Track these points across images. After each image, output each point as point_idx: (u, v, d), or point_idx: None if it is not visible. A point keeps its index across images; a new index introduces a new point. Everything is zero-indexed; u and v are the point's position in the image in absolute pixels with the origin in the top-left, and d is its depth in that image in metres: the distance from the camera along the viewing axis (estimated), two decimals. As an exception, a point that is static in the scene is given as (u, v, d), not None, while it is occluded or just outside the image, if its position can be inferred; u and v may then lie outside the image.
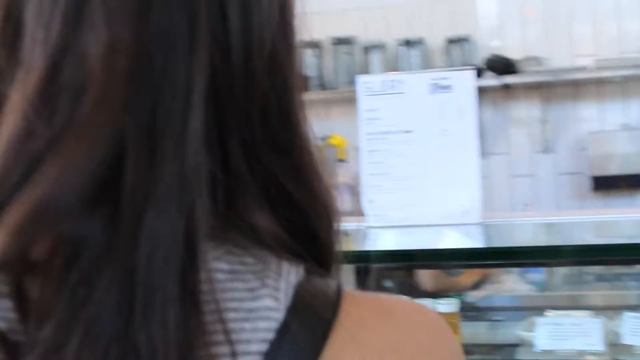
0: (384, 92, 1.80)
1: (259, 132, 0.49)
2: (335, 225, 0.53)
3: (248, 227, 0.49)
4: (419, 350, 0.49)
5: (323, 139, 3.64)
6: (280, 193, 0.50)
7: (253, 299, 0.46)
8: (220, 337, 0.44)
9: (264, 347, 0.45)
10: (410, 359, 0.48)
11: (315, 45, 4.63)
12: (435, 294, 2.06)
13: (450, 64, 4.45)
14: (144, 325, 0.41)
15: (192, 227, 0.43)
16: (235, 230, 0.48)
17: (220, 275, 0.46)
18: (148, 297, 0.41)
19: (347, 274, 1.95)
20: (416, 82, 1.79)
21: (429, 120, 1.77)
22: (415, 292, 2.23)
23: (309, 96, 0.55)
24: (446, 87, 1.76)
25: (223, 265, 0.47)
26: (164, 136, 0.43)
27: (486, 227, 1.73)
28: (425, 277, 2.33)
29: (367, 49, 4.64)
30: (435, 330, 0.51)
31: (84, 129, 0.43)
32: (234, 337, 0.44)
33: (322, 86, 4.69)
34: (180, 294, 0.42)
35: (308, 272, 0.49)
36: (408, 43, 4.55)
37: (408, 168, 1.77)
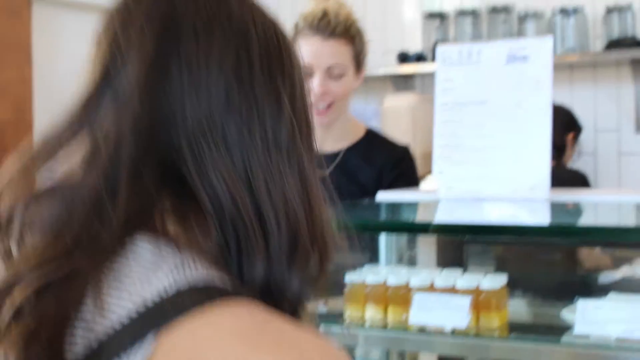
0: (461, 63, 1.76)
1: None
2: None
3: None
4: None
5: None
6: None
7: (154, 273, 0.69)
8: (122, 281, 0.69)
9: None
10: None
11: (471, 13, 4.54)
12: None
13: (609, 34, 4.21)
14: None
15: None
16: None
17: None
18: None
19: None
20: (493, 51, 1.74)
21: (503, 91, 1.71)
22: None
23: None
24: (523, 58, 1.70)
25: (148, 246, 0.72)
26: None
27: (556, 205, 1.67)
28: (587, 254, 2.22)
29: (523, 17, 4.48)
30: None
31: None
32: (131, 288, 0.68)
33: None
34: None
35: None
36: (564, 11, 4.34)
37: (479, 140, 1.73)
